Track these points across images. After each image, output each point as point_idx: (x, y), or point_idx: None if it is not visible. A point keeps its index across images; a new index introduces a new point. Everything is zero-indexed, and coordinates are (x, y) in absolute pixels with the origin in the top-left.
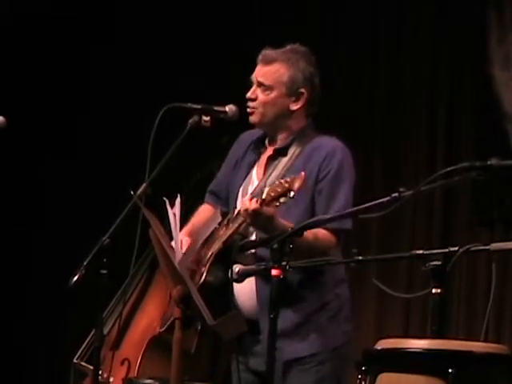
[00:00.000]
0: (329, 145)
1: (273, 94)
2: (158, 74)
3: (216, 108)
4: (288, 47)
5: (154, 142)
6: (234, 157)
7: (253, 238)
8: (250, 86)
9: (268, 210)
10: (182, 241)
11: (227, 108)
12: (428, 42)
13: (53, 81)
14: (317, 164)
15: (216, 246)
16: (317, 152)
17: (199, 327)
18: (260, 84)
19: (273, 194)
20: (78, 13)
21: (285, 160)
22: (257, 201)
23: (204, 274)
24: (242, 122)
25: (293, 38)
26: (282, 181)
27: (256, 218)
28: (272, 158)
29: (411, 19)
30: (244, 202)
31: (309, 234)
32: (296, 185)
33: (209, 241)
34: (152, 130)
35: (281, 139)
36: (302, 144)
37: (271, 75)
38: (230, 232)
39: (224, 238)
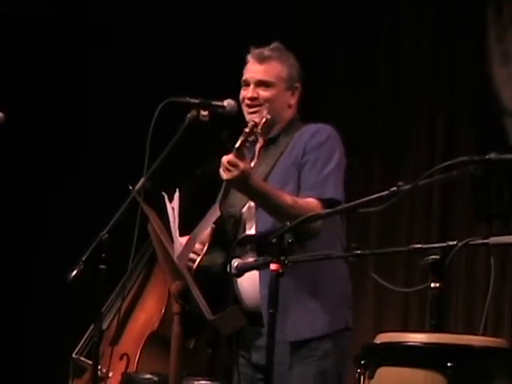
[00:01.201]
0: (314, 126)
1: (275, 90)
2: (158, 70)
3: (214, 102)
4: (273, 45)
5: (153, 136)
6: None
7: (251, 231)
8: (239, 88)
9: (245, 163)
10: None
11: (225, 102)
12: (428, 42)
13: (53, 77)
14: (302, 143)
15: (208, 229)
16: (303, 134)
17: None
18: (260, 82)
19: (243, 138)
20: (77, 13)
21: (275, 148)
22: (232, 152)
23: (200, 258)
24: (240, 116)
25: (292, 37)
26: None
27: (234, 170)
28: (263, 148)
29: (411, 19)
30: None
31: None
32: (258, 119)
33: None
34: (150, 125)
35: (272, 130)
36: (291, 133)
37: (271, 72)
38: (216, 204)
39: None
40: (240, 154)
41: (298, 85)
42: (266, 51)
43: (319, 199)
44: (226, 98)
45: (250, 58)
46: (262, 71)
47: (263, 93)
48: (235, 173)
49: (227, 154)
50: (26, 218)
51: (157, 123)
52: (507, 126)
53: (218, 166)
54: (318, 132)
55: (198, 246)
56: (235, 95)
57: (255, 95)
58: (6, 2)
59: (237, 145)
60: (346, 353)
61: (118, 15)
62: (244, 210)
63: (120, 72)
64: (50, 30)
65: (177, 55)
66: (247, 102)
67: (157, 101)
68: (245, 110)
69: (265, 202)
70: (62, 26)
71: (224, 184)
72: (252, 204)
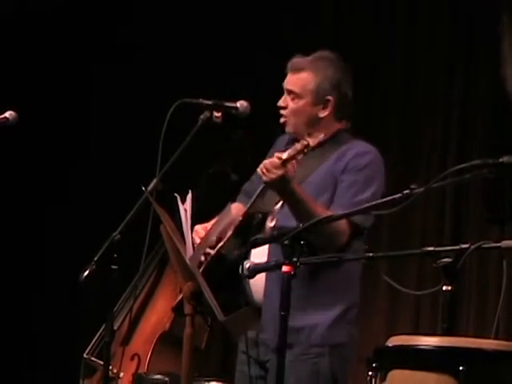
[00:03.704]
0: (362, 146)
1: (301, 102)
2: (171, 70)
3: (227, 104)
4: (317, 54)
5: (165, 137)
6: (269, 156)
7: (272, 224)
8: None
9: (286, 169)
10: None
11: (238, 104)
12: (444, 43)
13: (62, 75)
14: (346, 160)
15: (236, 221)
16: (349, 151)
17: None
18: (289, 92)
19: (292, 153)
20: (78, 15)
21: (317, 155)
22: (278, 157)
23: (221, 244)
24: (253, 117)
25: (307, 39)
26: (302, 141)
27: (273, 176)
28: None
29: (426, 20)
30: (262, 163)
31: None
32: (312, 140)
33: None
34: (163, 126)
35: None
36: (338, 145)
37: (299, 83)
38: (250, 202)
39: (245, 208)
40: (285, 166)
41: (330, 98)
42: (301, 61)
43: (349, 221)
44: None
45: (288, 64)
46: (291, 81)
47: (291, 103)
48: (275, 176)
49: (241, 154)
50: (39, 218)
51: (169, 124)
52: None
53: (229, 166)
54: (364, 155)
55: (213, 238)
56: (248, 96)
57: (284, 104)
58: (4, 3)
59: (285, 156)
60: (345, 362)
61: (124, 17)
62: (276, 207)
63: (131, 72)
64: (49, 30)
65: (190, 55)
66: (279, 107)
67: (169, 102)
68: None
69: (299, 208)
70: (62, 29)
71: (262, 186)
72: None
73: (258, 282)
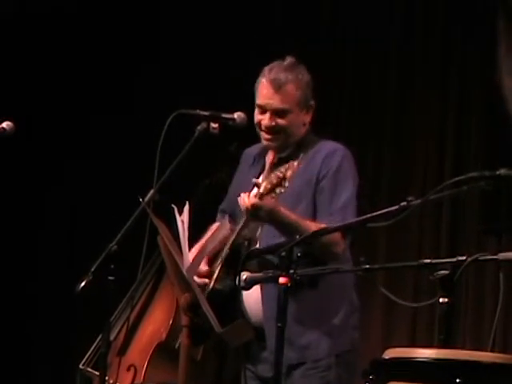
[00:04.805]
0: (329, 146)
1: (291, 116)
2: (169, 80)
3: (224, 115)
4: (286, 63)
5: (163, 148)
6: (240, 174)
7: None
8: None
9: (267, 202)
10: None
11: (235, 115)
12: (439, 51)
13: (63, 83)
14: (317, 165)
15: (223, 253)
16: (318, 154)
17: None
18: (277, 111)
19: (269, 187)
20: (78, 16)
21: (287, 164)
22: (255, 195)
23: (212, 282)
24: (250, 128)
25: (301, 41)
26: (277, 172)
27: (257, 211)
28: (275, 164)
29: (420, 28)
30: (242, 198)
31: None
32: (289, 173)
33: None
34: (160, 137)
35: (286, 149)
36: (305, 150)
37: (287, 99)
38: (234, 234)
39: (229, 242)
40: (263, 198)
41: (312, 102)
42: (281, 75)
43: (342, 231)
44: (236, 111)
45: (264, 80)
46: (278, 100)
47: (281, 120)
48: (257, 212)
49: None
50: (35, 229)
51: (167, 135)
52: None
53: (226, 177)
54: (334, 155)
55: (204, 267)
56: (245, 107)
57: (273, 123)
58: (4, 3)
59: (261, 190)
60: (351, 368)
61: (123, 20)
62: (258, 232)
63: (129, 79)
64: (49, 30)
65: (188, 67)
66: (264, 129)
67: (167, 112)
68: (261, 134)
69: (290, 230)
70: (62, 29)
71: (244, 218)
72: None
73: (253, 306)
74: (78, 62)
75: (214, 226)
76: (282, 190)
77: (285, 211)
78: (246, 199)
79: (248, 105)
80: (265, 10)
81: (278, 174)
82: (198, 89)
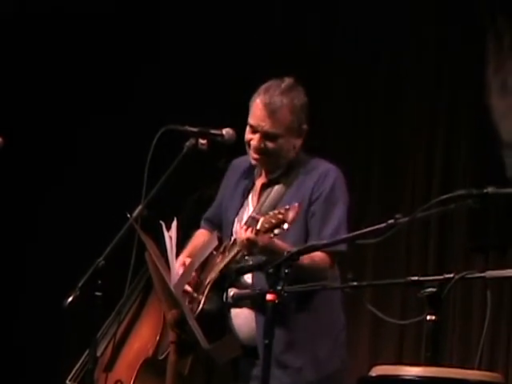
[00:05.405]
0: (321, 167)
1: (282, 140)
2: (158, 95)
3: (213, 131)
4: (283, 85)
5: (151, 164)
6: (228, 184)
7: (247, 278)
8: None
9: (263, 238)
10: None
11: (224, 131)
12: (428, 67)
13: (51, 96)
14: (309, 187)
15: (213, 275)
16: (309, 176)
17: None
18: (268, 134)
19: (267, 226)
20: (78, 16)
21: (278, 187)
22: (252, 230)
23: (201, 303)
24: (238, 144)
25: (292, 53)
26: (276, 211)
27: (252, 247)
28: (266, 186)
29: (411, 44)
30: (239, 231)
31: (305, 256)
32: (290, 216)
33: (205, 266)
34: (149, 152)
35: (276, 171)
36: (295, 171)
37: (278, 124)
38: (226, 261)
39: (220, 266)
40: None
41: (305, 126)
42: (276, 99)
43: (330, 254)
44: (225, 127)
45: (258, 101)
46: (270, 124)
47: (270, 144)
48: (253, 249)
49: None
50: (21, 245)
51: (155, 150)
52: (505, 157)
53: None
54: (326, 177)
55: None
56: (235, 123)
57: (262, 146)
58: (4, 3)
59: (258, 227)
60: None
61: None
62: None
63: (117, 93)
64: (49, 30)
65: (177, 82)
66: (253, 148)
67: (155, 128)
68: (249, 153)
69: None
70: (62, 29)
71: (238, 249)
72: None
73: (242, 322)
74: (77, 61)
75: (199, 232)
76: (281, 232)
77: (280, 244)
78: (243, 233)
79: (237, 120)
80: (265, 13)
81: (278, 214)
82: (187, 105)
